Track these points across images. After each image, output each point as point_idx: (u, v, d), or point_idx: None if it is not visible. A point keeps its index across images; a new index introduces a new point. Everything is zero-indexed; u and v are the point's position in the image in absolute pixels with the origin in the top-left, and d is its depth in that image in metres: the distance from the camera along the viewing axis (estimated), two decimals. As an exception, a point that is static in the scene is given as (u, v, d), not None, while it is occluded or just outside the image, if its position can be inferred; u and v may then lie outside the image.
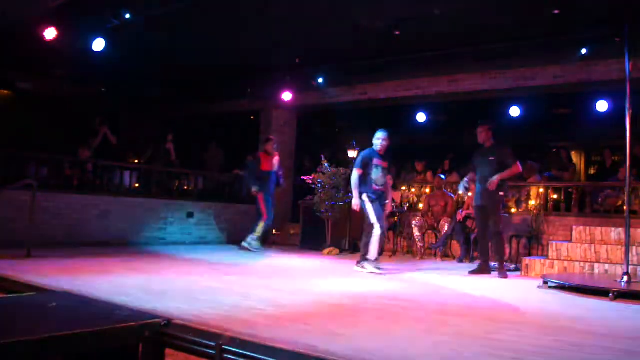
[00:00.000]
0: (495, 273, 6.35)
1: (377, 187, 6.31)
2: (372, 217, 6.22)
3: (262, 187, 8.55)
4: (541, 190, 8.87)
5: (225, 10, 7.31)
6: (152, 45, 8.58)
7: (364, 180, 6.31)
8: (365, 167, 6.31)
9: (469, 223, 8.48)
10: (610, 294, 4.79)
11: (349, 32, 7.96)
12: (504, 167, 6.33)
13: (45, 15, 7.08)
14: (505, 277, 6.19)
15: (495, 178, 6.27)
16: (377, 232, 6.17)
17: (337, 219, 9.24)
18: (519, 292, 5.28)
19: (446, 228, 8.46)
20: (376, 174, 6.29)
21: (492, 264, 6.60)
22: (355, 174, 6.32)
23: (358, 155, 6.65)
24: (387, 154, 6.49)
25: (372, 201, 6.26)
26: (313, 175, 9.42)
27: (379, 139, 6.40)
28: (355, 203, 6.31)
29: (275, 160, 8.80)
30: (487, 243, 6.61)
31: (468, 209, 8.59)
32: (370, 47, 8.69)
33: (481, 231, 6.64)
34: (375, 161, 6.32)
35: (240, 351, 2.68)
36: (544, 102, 9.82)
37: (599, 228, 6.66)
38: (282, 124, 11.67)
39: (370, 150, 6.42)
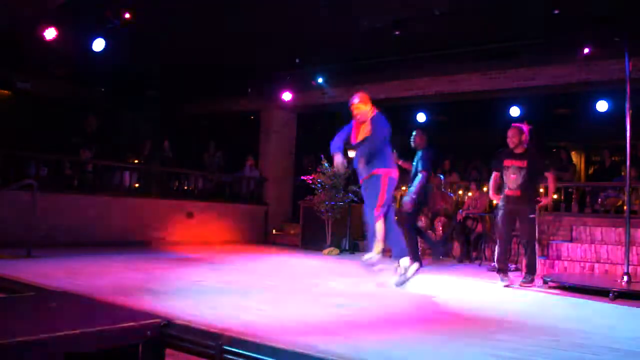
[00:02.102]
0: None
1: (510, 192, 5.56)
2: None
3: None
4: (541, 190, 8.85)
5: (226, 9, 7.31)
6: (152, 45, 8.57)
7: (500, 184, 5.72)
8: (498, 169, 5.73)
9: (468, 223, 8.47)
10: (610, 294, 4.79)
11: (349, 32, 7.96)
12: None
13: (45, 15, 7.07)
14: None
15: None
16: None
17: (337, 219, 9.25)
18: (519, 291, 5.28)
19: (440, 228, 8.45)
20: (506, 177, 5.60)
21: (492, 264, 6.60)
22: (491, 179, 5.82)
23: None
24: (527, 152, 5.60)
25: (500, 208, 5.70)
26: (313, 175, 9.42)
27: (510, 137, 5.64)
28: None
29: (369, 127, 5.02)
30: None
31: (468, 209, 8.59)
32: (370, 47, 8.69)
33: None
34: (506, 162, 5.62)
35: (240, 351, 2.68)
36: (544, 102, 9.81)
37: (599, 228, 6.66)
38: (282, 124, 11.67)
39: (501, 150, 5.76)
